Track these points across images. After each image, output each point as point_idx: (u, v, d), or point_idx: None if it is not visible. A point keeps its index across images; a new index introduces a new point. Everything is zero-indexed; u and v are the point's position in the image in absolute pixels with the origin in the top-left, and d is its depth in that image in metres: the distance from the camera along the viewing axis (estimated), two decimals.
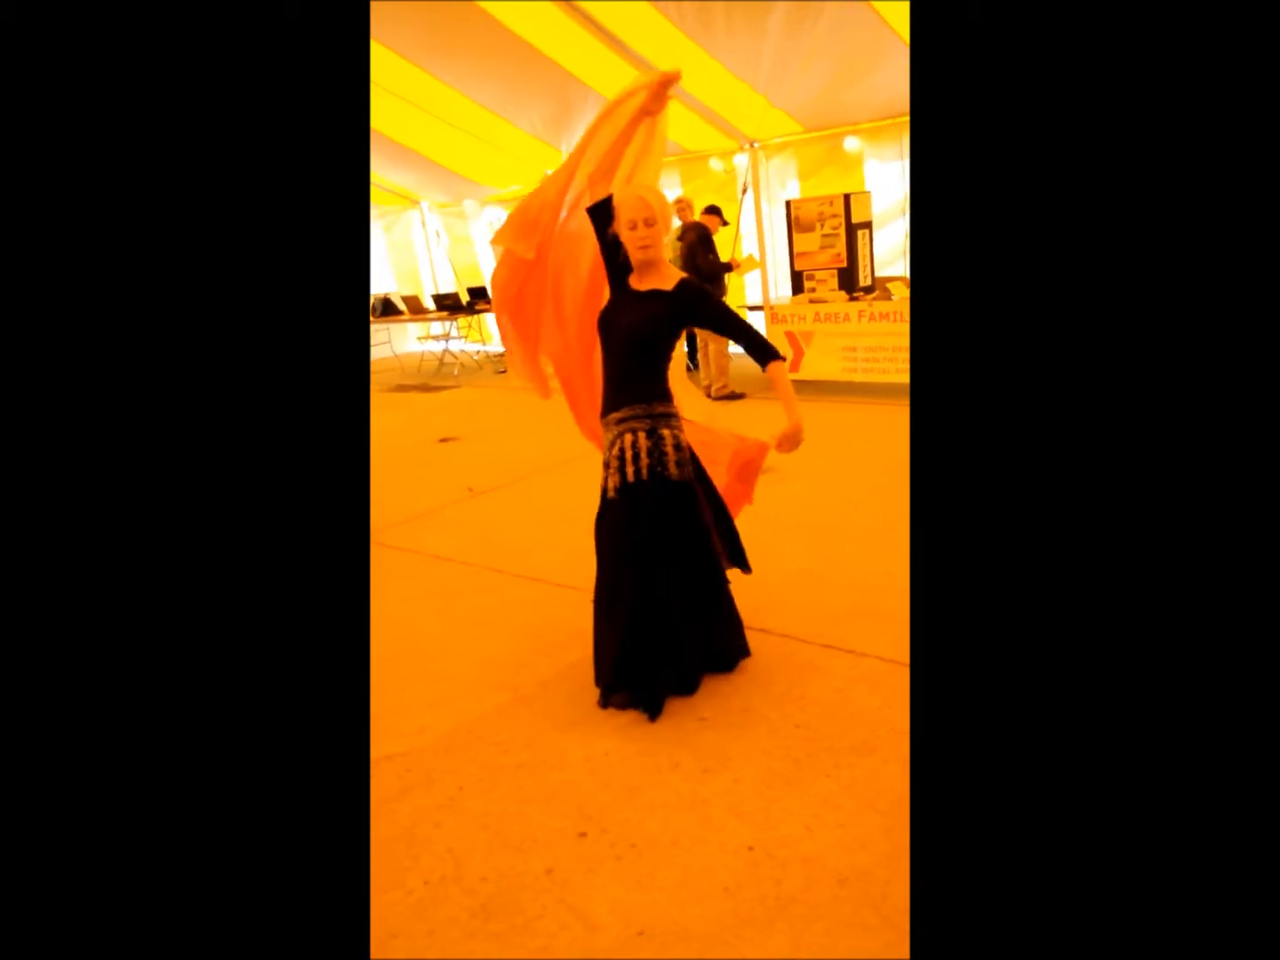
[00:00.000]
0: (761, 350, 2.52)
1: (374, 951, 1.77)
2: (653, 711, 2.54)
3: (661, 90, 2.53)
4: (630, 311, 2.52)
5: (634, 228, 2.46)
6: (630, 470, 2.51)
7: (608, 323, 2.58)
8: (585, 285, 2.79)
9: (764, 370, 2.52)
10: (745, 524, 3.97)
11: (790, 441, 2.50)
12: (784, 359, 2.55)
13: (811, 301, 6.90)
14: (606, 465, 2.58)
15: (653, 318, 2.49)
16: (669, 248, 6.35)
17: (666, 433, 2.51)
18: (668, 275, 2.54)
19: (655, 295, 2.50)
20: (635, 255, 2.52)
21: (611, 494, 2.56)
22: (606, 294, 2.68)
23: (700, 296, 2.55)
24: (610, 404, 2.58)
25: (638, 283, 2.56)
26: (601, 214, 2.55)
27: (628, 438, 2.51)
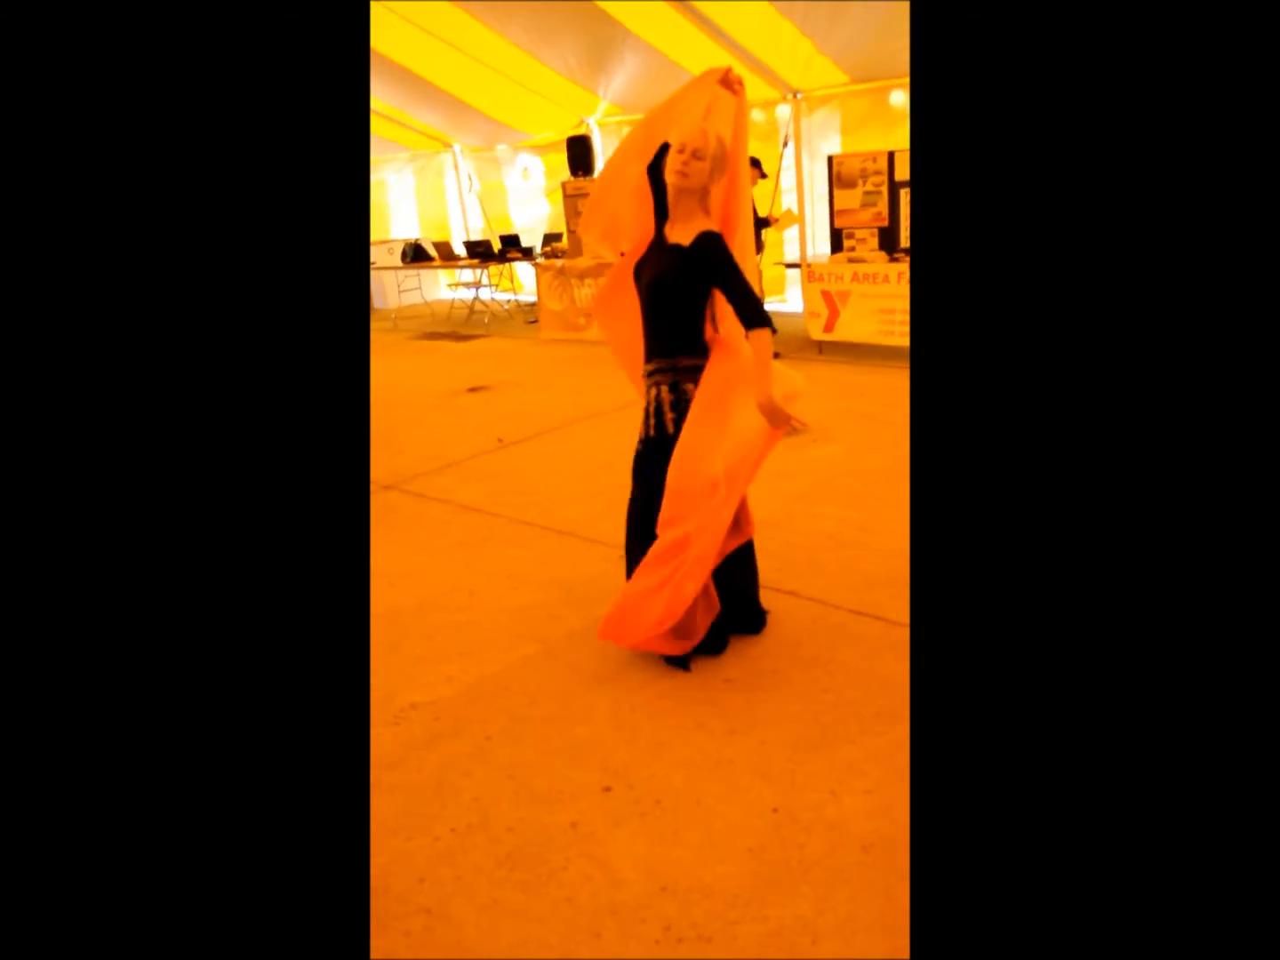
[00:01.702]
0: (751, 314, 2.35)
1: (403, 890, 1.81)
2: (682, 665, 2.57)
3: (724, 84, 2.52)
4: (657, 264, 2.48)
5: (681, 151, 2.34)
6: (653, 424, 2.52)
7: (639, 273, 2.54)
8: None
9: (746, 334, 2.38)
10: (776, 486, 3.97)
11: (772, 418, 2.35)
12: (772, 331, 2.37)
13: (850, 261, 6.76)
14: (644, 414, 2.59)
15: (671, 270, 2.43)
16: None
17: (690, 387, 2.48)
18: (696, 229, 2.41)
19: (677, 249, 2.43)
20: (671, 180, 2.39)
21: (639, 446, 2.59)
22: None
23: (713, 246, 2.38)
24: (645, 356, 2.57)
25: (670, 233, 2.49)
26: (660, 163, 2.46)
27: (652, 392, 2.53)
